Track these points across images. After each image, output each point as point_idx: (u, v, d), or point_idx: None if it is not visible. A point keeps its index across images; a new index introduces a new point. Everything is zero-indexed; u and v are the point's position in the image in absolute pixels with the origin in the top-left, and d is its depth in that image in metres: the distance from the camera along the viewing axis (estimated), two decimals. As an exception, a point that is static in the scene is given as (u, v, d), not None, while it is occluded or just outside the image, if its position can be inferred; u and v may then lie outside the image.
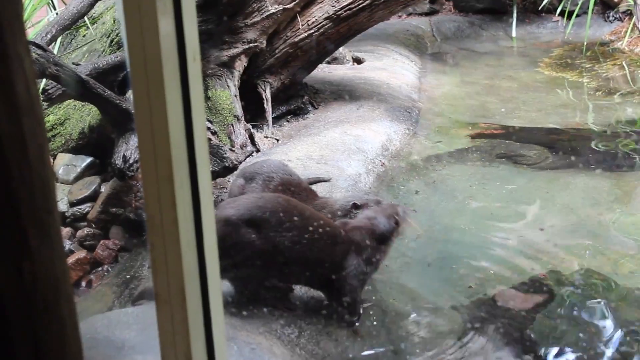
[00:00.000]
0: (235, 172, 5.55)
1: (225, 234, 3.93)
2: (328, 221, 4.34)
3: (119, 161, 5.27)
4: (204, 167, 1.82)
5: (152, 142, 1.73)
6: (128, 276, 5.12)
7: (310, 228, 4.13)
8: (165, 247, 1.79)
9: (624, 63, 11.16)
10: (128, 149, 5.26)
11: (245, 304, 4.12)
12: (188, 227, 1.80)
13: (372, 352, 4.11)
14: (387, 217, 4.50)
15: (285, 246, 4.05)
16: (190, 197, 1.80)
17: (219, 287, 1.92)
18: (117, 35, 6.58)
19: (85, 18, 6.73)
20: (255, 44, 6.95)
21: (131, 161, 5.21)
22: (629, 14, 12.37)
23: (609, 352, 4.16)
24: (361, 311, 4.41)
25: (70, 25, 6.30)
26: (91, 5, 6.35)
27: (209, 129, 5.56)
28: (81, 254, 5.63)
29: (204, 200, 1.82)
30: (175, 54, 1.72)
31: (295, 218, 4.11)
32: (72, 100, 6.16)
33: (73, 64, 5.76)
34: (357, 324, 4.35)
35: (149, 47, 1.68)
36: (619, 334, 4.33)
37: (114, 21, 6.79)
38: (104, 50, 6.61)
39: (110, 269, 5.53)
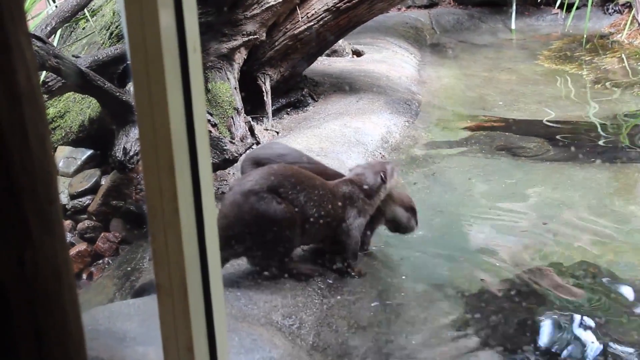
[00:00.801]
0: (241, 158, 5.55)
1: (251, 204, 4.26)
2: (323, 180, 4.67)
3: (119, 153, 5.27)
4: (205, 159, 1.83)
5: (153, 133, 1.73)
6: (129, 268, 5.13)
7: (316, 189, 4.48)
8: (167, 238, 1.79)
9: (623, 55, 11.17)
10: (128, 141, 5.26)
11: (256, 284, 4.19)
12: (189, 218, 1.81)
13: (372, 342, 4.12)
14: (374, 173, 4.82)
15: (301, 207, 4.37)
16: (191, 189, 1.80)
17: (220, 277, 1.93)
18: (117, 27, 6.58)
19: (85, 10, 6.72)
20: (255, 36, 6.95)
21: (131, 153, 5.21)
22: (629, 6, 12.38)
23: (607, 343, 4.17)
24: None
25: (70, 18, 6.30)
26: (90, -2, 6.36)
27: (209, 121, 5.56)
28: (82, 246, 5.64)
29: (204, 192, 1.83)
30: (175, 46, 1.73)
31: (304, 181, 4.45)
32: (72, 92, 6.17)
33: (73, 56, 5.76)
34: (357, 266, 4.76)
35: (150, 39, 1.68)
36: (619, 325, 4.34)
37: (113, 13, 6.79)
38: (103, 43, 6.61)
39: (111, 262, 5.54)
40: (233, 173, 5.77)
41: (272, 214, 4.26)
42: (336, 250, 4.68)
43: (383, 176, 4.83)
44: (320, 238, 4.65)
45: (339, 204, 4.62)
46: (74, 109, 6.40)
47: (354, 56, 10.19)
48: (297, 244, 4.53)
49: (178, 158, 1.75)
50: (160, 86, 1.70)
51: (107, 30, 6.70)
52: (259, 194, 4.27)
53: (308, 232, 4.47)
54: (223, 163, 5.43)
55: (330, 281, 4.55)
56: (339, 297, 4.42)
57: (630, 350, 4.08)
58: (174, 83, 1.73)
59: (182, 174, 1.77)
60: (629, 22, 12.06)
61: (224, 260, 4.29)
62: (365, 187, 4.77)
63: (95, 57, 5.80)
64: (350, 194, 4.70)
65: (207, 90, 6.28)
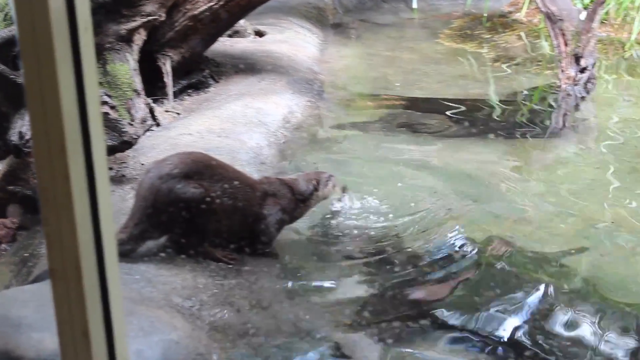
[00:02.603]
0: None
1: (169, 187, 4.31)
2: (242, 174, 4.83)
3: (14, 137, 5.17)
4: (99, 140, 1.79)
5: (44, 115, 1.70)
6: (26, 254, 5.03)
7: (234, 180, 4.57)
8: (60, 222, 1.76)
9: (522, 34, 11.36)
10: (24, 124, 5.15)
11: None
12: (83, 200, 1.77)
13: (273, 321, 4.13)
14: (307, 180, 4.96)
15: (217, 195, 4.43)
16: (85, 170, 1.77)
17: (116, 260, 1.90)
18: (11, 9, 6.44)
19: (-22, -8, 6.57)
20: (154, 17, 6.86)
21: (27, 137, 5.11)
22: (527, -15, 12.57)
23: (503, 313, 4.28)
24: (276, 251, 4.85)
25: (-38, -1, 6.15)
26: (-17, -22, 6.21)
27: (107, 103, 5.47)
28: (-23, 233, 5.52)
29: (98, 174, 1.80)
30: (66, 26, 1.69)
31: (221, 172, 4.54)
32: (-35, 76, 6.02)
33: (-35, 38, 5.63)
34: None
35: (39, 19, 1.64)
36: (515, 295, 4.46)
37: (7, -5, 6.64)
38: (-2, 25, 6.46)
39: (8, 248, 5.43)
40: (133, 155, 5.70)
41: (190, 197, 4.32)
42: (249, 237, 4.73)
43: (316, 184, 4.96)
44: (235, 229, 4.65)
45: (259, 198, 4.71)
46: (-33, 93, 6.25)
47: (256, 37, 10.12)
48: (214, 230, 4.53)
49: (70, 140, 1.72)
50: (50, 68, 1.67)
51: (2, 11, 6.55)
52: (177, 177, 4.32)
53: (223, 222, 4.52)
54: (122, 145, 5.35)
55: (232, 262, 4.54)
56: (240, 278, 4.42)
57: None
58: (64, 64, 1.69)
59: (74, 156, 1.73)
60: (527, 1, 12.25)
61: (141, 241, 4.31)
62: (297, 190, 4.90)
63: (-11, 39, 5.67)
64: (275, 191, 4.81)
65: (106, 72, 6.19)
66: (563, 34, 8.25)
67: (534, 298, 4.47)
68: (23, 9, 1.65)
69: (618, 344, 4.07)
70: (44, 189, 1.75)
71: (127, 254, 4.22)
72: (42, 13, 1.64)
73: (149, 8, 6.81)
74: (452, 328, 4.20)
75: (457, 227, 5.28)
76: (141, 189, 4.39)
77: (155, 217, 4.29)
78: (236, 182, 4.57)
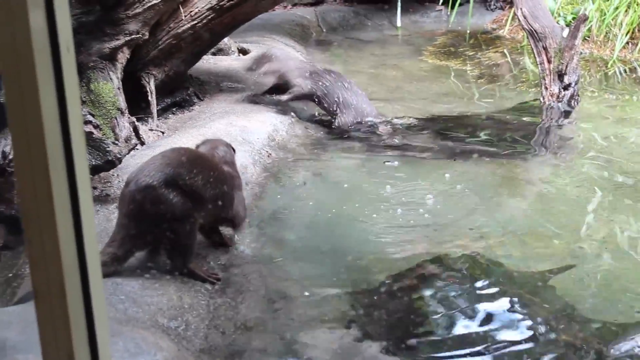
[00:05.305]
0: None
1: (150, 201, 4.23)
2: (215, 161, 4.81)
3: (-2, 157, 5.15)
4: (81, 160, 1.79)
5: (25, 134, 1.69)
6: (10, 275, 5.01)
7: (211, 170, 4.55)
8: (43, 242, 1.75)
9: (505, 50, 11.43)
10: (7, 144, 5.14)
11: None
12: (66, 220, 1.76)
13: (260, 342, 4.11)
14: (226, 146, 5.06)
15: (200, 190, 4.41)
16: (68, 190, 1.76)
17: (101, 281, 1.89)
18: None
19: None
20: (138, 36, 6.84)
21: (11, 157, 5.09)
22: (510, 2, 12.64)
23: (490, 332, 4.27)
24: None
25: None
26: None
27: (91, 122, 5.46)
28: (-39, 253, 5.49)
29: (82, 193, 1.79)
30: (47, 46, 1.68)
31: (199, 163, 4.51)
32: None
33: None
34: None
35: (20, 40, 1.64)
36: (500, 313, 4.45)
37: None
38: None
39: (-9, 268, 5.41)
40: (117, 174, 5.68)
41: (172, 209, 4.25)
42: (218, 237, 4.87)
43: (233, 148, 5.11)
44: (213, 219, 4.69)
45: (227, 183, 4.72)
46: (-49, 113, 6.22)
47: (240, 54, 10.15)
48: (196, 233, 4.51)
49: (53, 159, 1.71)
50: (31, 87, 1.66)
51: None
52: (157, 189, 4.24)
53: (206, 215, 4.52)
54: (106, 165, 5.32)
55: (217, 282, 4.53)
56: (225, 298, 4.40)
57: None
58: (46, 84, 1.68)
59: (57, 175, 1.73)
60: (510, 18, 12.33)
61: (124, 261, 4.26)
62: (232, 162, 4.99)
63: (-28, 59, 5.64)
64: (231, 172, 4.87)
65: (90, 91, 6.17)
66: (546, 51, 8.29)
67: (514, 316, 4.47)
68: (4, 29, 1.64)
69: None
70: (26, 208, 1.74)
71: (111, 275, 4.18)
72: (23, 33, 1.63)
73: (132, 27, 6.80)
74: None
75: (441, 244, 5.29)
76: (122, 204, 4.33)
77: (139, 230, 4.24)
78: (214, 171, 4.57)
